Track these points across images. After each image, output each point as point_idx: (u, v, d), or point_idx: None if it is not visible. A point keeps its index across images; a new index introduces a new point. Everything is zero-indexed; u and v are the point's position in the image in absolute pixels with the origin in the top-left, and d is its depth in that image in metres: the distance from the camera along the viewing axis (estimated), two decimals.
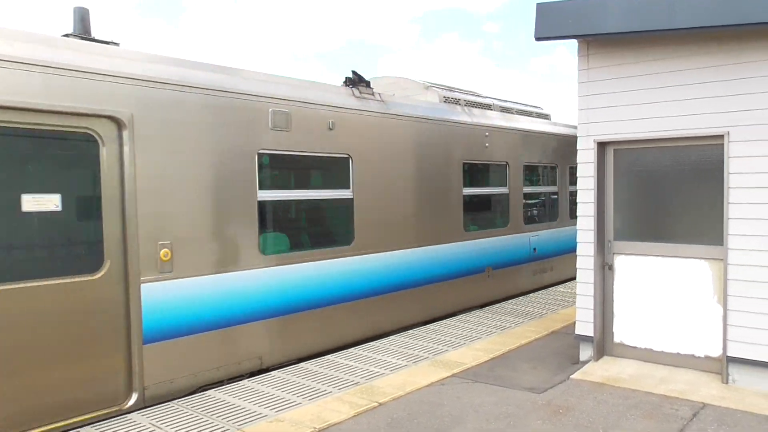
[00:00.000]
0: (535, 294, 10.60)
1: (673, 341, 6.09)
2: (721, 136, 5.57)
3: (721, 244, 5.65)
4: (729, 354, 5.61)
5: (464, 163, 9.30)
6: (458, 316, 8.87)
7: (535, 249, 11.12)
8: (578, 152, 6.45)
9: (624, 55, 6.08)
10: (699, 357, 5.95)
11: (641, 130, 5.99)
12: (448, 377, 6.11)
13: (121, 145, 5.30)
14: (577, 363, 6.48)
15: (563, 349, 7.14)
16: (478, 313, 9.13)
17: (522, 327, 8.23)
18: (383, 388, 5.74)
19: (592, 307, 6.41)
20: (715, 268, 5.79)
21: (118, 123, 5.28)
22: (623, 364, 6.28)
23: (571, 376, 6.02)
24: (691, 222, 5.94)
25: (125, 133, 5.30)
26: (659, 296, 6.15)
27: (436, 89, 9.56)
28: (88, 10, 5.78)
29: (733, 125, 5.48)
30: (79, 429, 4.90)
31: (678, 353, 6.07)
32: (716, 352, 5.84)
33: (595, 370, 6.13)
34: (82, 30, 5.73)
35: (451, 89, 9.94)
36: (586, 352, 6.52)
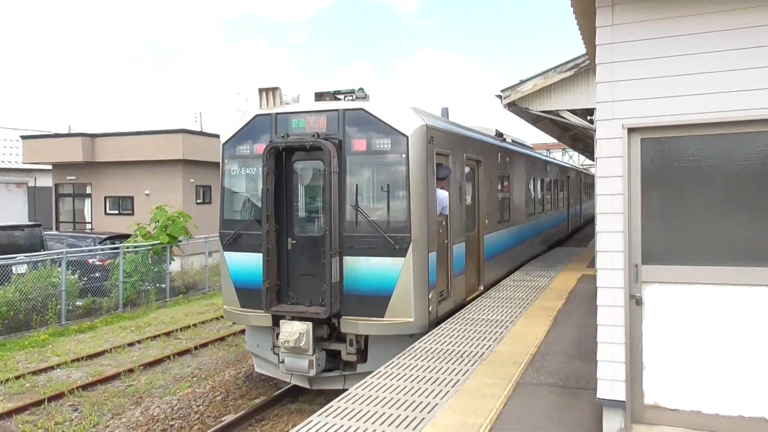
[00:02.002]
0: (448, 325, 8.70)
1: (734, 400, 4.46)
2: None
3: None
4: None
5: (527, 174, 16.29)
6: (393, 363, 6.60)
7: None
8: (597, 143, 4.60)
9: (666, 6, 4.34)
10: None
11: (693, 111, 4.30)
12: None
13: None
14: None
15: (557, 412, 5.25)
16: (407, 362, 6.92)
17: (474, 378, 6.20)
18: None
19: (624, 359, 4.57)
20: None
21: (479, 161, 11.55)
22: None
23: None
24: (757, 237, 4.36)
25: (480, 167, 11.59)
26: (710, 338, 4.49)
27: (491, 132, 13.63)
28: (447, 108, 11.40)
29: None
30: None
31: (741, 416, 4.45)
32: None
33: None
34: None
35: (499, 134, 14.17)
36: (613, 423, 4.65)
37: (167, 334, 13.31)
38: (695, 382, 4.54)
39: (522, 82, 13.16)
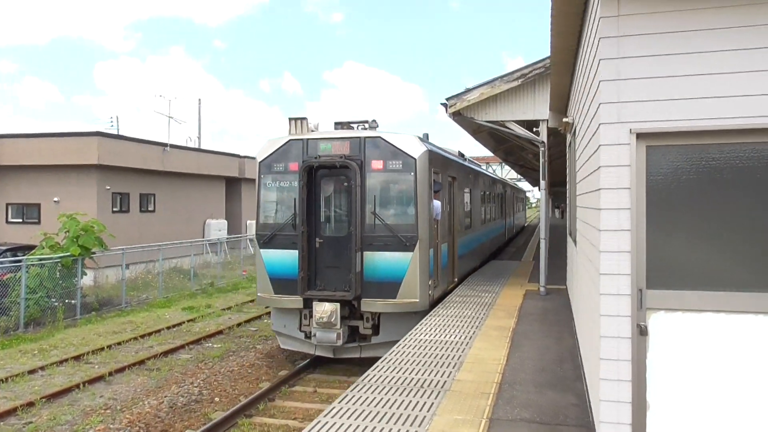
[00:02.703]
0: (403, 349, 7.97)
1: None
2: None
3: None
4: None
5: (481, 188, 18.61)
6: (349, 398, 5.77)
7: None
8: (600, 150, 4.01)
9: None
10: None
11: (714, 116, 3.78)
12: None
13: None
14: None
15: None
16: (365, 395, 6.11)
17: (443, 415, 5.49)
18: None
19: (630, 398, 3.97)
20: None
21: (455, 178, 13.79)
22: None
23: None
24: None
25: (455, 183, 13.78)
26: (721, 372, 3.97)
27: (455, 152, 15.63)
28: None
29: None
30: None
31: None
32: None
33: None
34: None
35: (461, 154, 16.63)
36: None
37: (76, 357, 11.86)
38: (705, 424, 4.00)
39: (468, 90, 12.71)
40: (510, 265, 18.34)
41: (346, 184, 10.66)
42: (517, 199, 37.19)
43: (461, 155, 16.39)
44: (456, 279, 13.73)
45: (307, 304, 10.60)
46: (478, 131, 16.42)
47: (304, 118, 10.99)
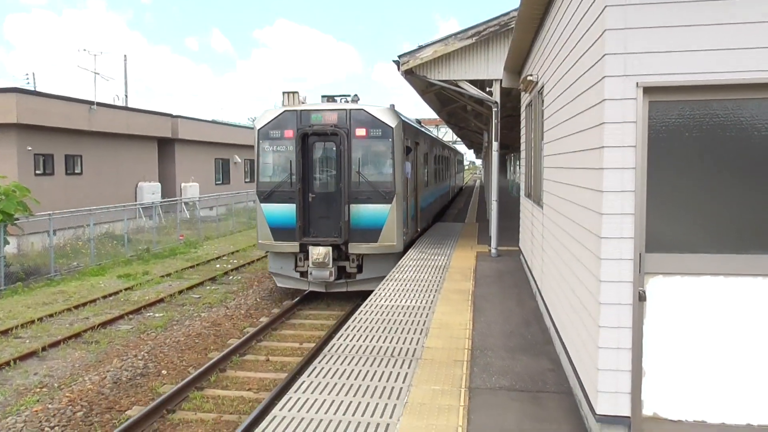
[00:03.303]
0: (365, 315, 7.68)
1: (742, 407, 3.88)
2: None
3: None
4: None
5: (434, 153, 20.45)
6: (322, 370, 5.41)
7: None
8: (605, 105, 3.74)
9: None
10: None
11: (725, 69, 3.56)
12: None
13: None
14: None
15: (533, 427, 4.43)
16: (338, 367, 5.78)
17: (419, 386, 5.24)
18: None
19: (630, 367, 3.81)
20: None
21: (417, 143, 15.89)
22: None
23: None
24: None
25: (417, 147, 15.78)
26: (718, 337, 3.87)
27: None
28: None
29: None
30: None
31: (749, 425, 3.88)
32: None
33: None
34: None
35: (418, 121, 20.33)
36: None
37: (4, 332, 10.97)
38: (700, 389, 3.90)
39: (421, 47, 12.27)
40: (455, 227, 18.30)
41: (334, 148, 12.45)
42: (458, 162, 40.66)
43: (419, 122, 18.83)
44: (419, 229, 15.78)
45: (302, 248, 12.50)
46: (426, 91, 16.04)
47: (296, 92, 13.10)
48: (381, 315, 7.63)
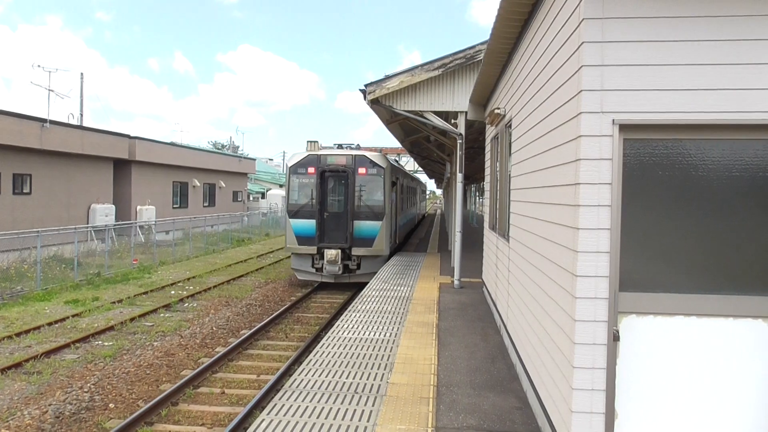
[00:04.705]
0: (327, 349, 7.43)
1: None
2: None
3: None
4: None
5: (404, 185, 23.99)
6: (283, 408, 5.14)
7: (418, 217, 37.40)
8: (581, 141, 3.69)
9: None
10: None
11: (700, 109, 3.57)
12: None
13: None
14: None
15: None
16: (300, 404, 5.51)
17: (384, 426, 5.04)
18: None
19: (604, 409, 3.71)
20: None
21: (398, 179, 21.03)
22: None
23: None
24: (751, 258, 3.76)
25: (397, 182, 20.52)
26: (691, 378, 3.81)
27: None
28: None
29: None
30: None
31: None
32: None
33: None
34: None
35: (396, 161, 25.34)
36: None
37: None
38: (673, 431, 3.83)
39: (388, 77, 12.30)
40: (417, 257, 18.26)
41: (343, 181, 17.05)
42: (422, 192, 47.48)
43: (397, 161, 24.94)
44: (397, 242, 20.47)
45: (318, 251, 16.90)
46: (391, 120, 16.11)
47: (316, 141, 17.79)
48: (344, 348, 7.41)
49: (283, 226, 35.13)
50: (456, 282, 12.32)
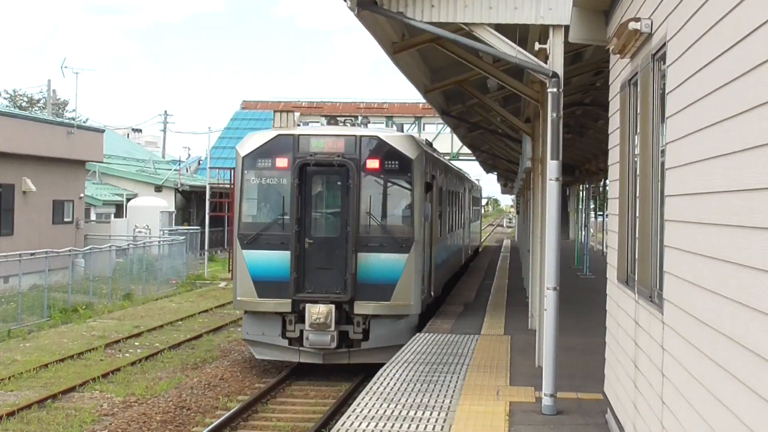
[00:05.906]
0: None
1: None
2: None
3: None
4: None
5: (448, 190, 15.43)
6: None
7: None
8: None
9: None
10: None
11: None
12: None
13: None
14: None
15: None
16: None
17: None
18: None
19: None
20: None
21: (434, 176, 12.93)
22: None
23: None
24: None
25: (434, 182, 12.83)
26: None
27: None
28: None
29: None
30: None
31: None
32: None
33: None
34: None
35: (427, 143, 14.52)
36: None
37: None
38: None
39: None
40: (462, 341, 10.01)
41: (339, 183, 10.42)
42: (474, 201, 27.39)
43: (429, 144, 14.71)
44: (432, 294, 12.20)
45: (295, 307, 10.21)
46: (403, 46, 8.91)
47: (291, 111, 10.96)
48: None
49: (171, 275, 22.27)
50: (546, 400, 6.64)
